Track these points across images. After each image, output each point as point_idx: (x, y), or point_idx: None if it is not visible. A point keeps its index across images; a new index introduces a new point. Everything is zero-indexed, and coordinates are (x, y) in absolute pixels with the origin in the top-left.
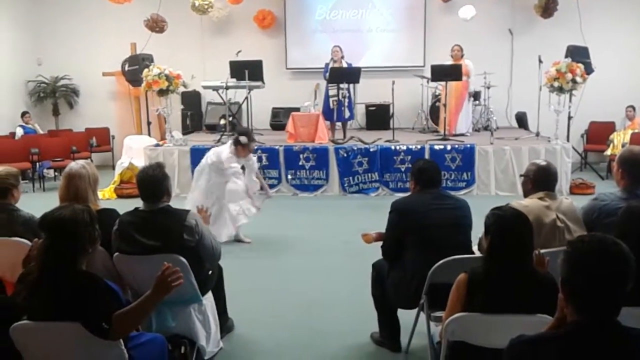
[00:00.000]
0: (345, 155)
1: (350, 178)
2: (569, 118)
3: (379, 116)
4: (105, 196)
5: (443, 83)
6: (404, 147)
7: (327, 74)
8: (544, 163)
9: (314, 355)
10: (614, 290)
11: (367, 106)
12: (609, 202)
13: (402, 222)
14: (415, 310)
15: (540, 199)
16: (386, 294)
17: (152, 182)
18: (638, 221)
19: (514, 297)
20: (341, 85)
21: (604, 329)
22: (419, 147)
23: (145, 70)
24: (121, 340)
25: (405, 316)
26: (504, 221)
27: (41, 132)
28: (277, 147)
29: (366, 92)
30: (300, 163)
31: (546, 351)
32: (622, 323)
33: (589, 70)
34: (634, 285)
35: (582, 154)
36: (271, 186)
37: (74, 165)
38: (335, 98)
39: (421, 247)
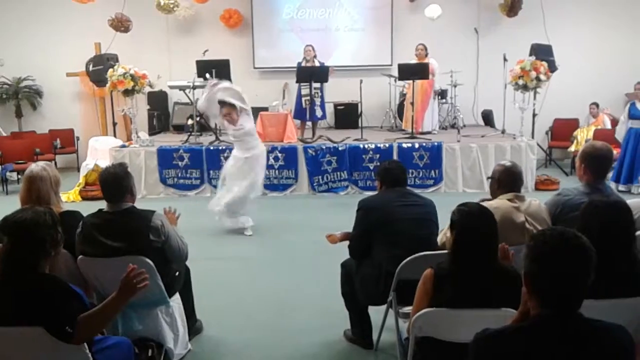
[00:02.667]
0: (314, 154)
1: (320, 177)
2: (534, 115)
3: (347, 115)
4: (70, 198)
5: (410, 82)
6: (373, 146)
7: None
8: (509, 164)
9: (284, 354)
10: (576, 284)
11: (336, 105)
12: (572, 197)
13: (369, 218)
14: (384, 307)
15: (509, 200)
16: (355, 291)
17: (113, 180)
18: (600, 215)
19: (480, 292)
20: (314, 85)
21: (566, 322)
22: (387, 145)
23: (110, 70)
24: (85, 345)
25: (378, 313)
26: (469, 217)
27: (4, 134)
28: None
29: (334, 91)
30: (269, 162)
31: (510, 345)
32: (584, 315)
33: (552, 68)
34: (596, 278)
35: (547, 151)
36: None
37: (35, 167)
38: (308, 97)
39: (388, 243)
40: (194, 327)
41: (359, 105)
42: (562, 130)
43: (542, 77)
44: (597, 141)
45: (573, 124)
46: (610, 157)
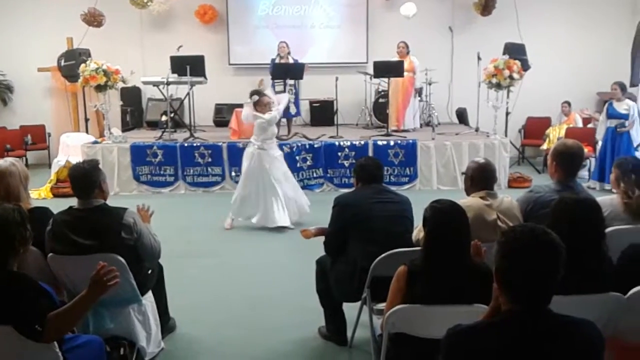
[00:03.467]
0: (289, 151)
1: (295, 174)
2: (507, 114)
3: (323, 112)
4: (42, 195)
5: (387, 79)
6: (348, 143)
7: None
8: (482, 161)
9: (259, 351)
10: (546, 280)
11: (311, 102)
12: (543, 194)
13: (344, 215)
14: (359, 304)
15: (481, 197)
16: (330, 288)
17: (81, 175)
18: (570, 212)
19: (452, 288)
20: (288, 82)
21: (536, 318)
22: (362, 143)
23: (83, 65)
24: (55, 343)
25: (352, 310)
26: (441, 214)
27: None
28: (220, 144)
29: (310, 88)
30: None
31: (482, 340)
32: (554, 311)
33: (525, 66)
34: (565, 274)
35: (520, 149)
36: (215, 183)
37: (3, 162)
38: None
39: (363, 239)
40: (167, 325)
41: (335, 102)
42: (535, 128)
43: (515, 75)
44: (568, 139)
45: (545, 122)
46: (581, 155)
